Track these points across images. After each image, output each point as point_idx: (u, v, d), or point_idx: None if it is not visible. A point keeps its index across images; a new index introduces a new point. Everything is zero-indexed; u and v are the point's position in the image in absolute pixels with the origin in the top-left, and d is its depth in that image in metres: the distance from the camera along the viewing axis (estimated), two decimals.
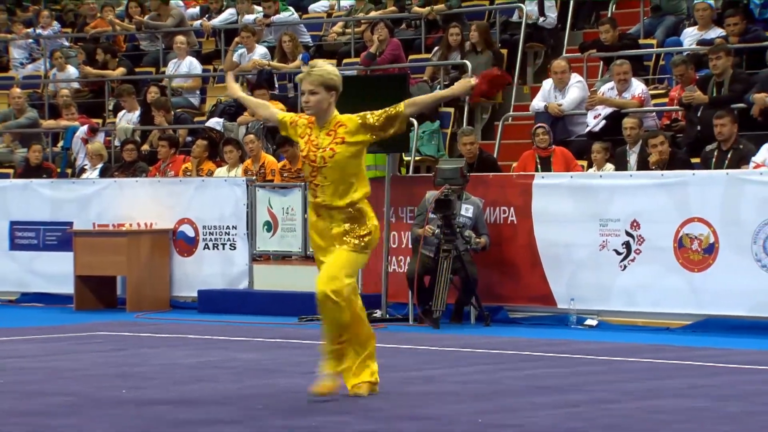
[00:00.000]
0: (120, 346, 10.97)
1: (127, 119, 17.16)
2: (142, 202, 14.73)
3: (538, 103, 14.74)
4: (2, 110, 18.00)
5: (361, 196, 7.69)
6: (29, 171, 16.53)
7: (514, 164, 14.18)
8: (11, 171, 17.26)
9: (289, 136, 8.00)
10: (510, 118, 15.52)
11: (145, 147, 16.68)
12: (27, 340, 11.40)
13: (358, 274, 8.26)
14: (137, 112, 17.24)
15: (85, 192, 15.14)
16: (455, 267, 12.19)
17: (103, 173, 16.09)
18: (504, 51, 16.46)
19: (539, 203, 12.54)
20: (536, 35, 16.81)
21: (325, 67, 7.82)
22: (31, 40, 19.93)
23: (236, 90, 8.58)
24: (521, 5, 16.69)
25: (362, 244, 7.68)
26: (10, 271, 15.29)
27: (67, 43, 19.72)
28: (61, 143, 17.56)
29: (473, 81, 8.10)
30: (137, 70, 18.81)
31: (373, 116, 7.80)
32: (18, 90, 18.12)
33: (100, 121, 17.81)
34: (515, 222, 12.66)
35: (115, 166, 16.35)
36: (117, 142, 16.85)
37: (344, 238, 7.64)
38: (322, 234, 7.75)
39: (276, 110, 8.23)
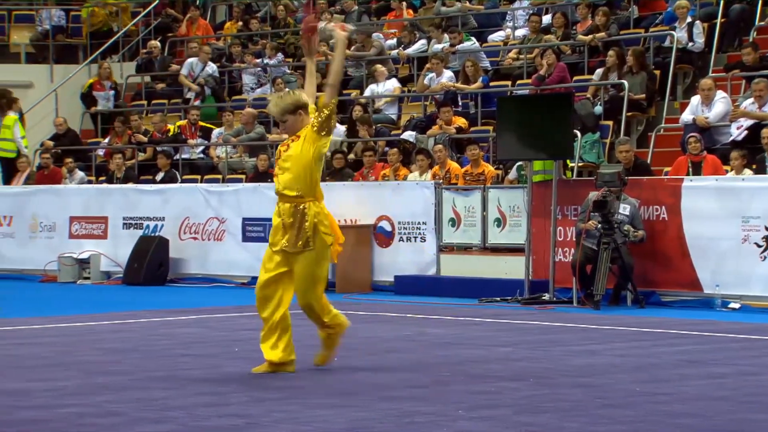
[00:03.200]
0: None
1: (337, 133, 17.32)
2: (348, 202, 14.83)
3: (687, 117, 14.31)
4: (236, 127, 18.40)
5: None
6: (258, 176, 16.85)
7: (666, 169, 13.82)
8: (243, 176, 17.62)
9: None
10: (662, 130, 15.13)
11: (351, 156, 16.81)
12: (254, 317, 11.54)
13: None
14: (343, 127, 17.38)
15: None
16: (613, 257, 11.95)
17: None
18: (657, 72, 16.05)
19: (688, 202, 12.16)
20: (685, 58, 16.33)
21: (285, 96, 7.61)
22: (259, 69, 20.31)
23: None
24: (672, 32, 16.25)
25: None
26: (243, 258, 15.58)
27: (288, 71, 20.03)
28: None
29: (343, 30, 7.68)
30: (344, 92, 18.98)
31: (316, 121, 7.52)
32: (249, 110, 18.49)
33: None
34: (666, 219, 12.30)
35: (326, 171, 16.52)
36: (327, 152, 17.00)
37: None
38: None
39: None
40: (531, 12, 18.51)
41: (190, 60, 20.13)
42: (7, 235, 17.38)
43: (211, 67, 20.04)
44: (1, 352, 8.84)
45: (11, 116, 18.87)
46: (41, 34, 23.31)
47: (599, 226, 11.99)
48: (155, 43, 21.70)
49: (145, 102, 20.96)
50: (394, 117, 18.06)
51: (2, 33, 23.52)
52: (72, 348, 9.11)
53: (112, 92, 20.16)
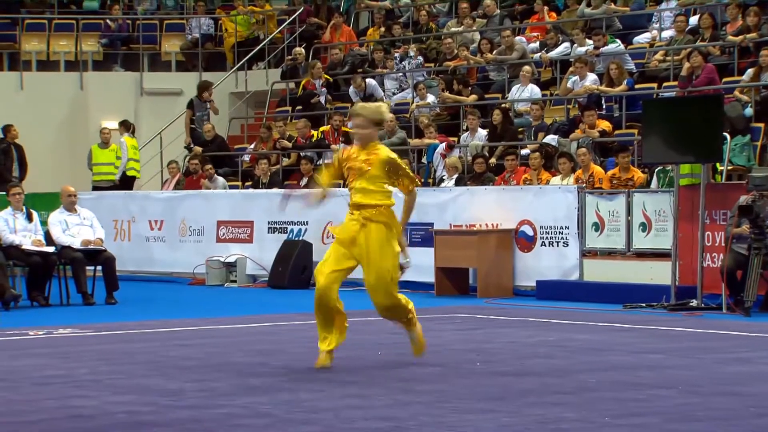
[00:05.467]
0: (473, 326, 11.02)
1: (479, 137, 17.26)
2: (490, 207, 14.76)
3: None
4: (379, 132, 18.49)
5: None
6: None
7: None
8: None
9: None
10: None
11: (492, 160, 16.72)
12: None
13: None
14: (484, 131, 17.31)
15: (444, 198, 15.33)
16: (765, 262, 11.61)
17: (458, 182, 16.25)
18: None
19: None
20: None
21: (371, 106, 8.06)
22: (400, 74, 20.39)
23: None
24: None
25: None
26: None
27: (427, 76, 20.07)
28: (424, 158, 17.87)
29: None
30: (486, 96, 18.91)
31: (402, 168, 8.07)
32: (391, 115, 18.56)
33: (455, 139, 18.01)
34: None
35: (468, 176, 16.48)
36: (469, 156, 16.97)
37: None
38: None
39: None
40: (678, 13, 18.12)
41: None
42: (158, 239, 17.86)
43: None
44: (159, 352, 9.08)
45: (129, 138, 19.87)
46: (191, 42, 23.93)
47: (750, 231, 11.66)
48: (300, 50, 22.02)
49: (289, 108, 21.28)
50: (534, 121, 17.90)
51: (154, 42, 24.21)
52: (222, 350, 9.29)
53: (324, 90, 20.33)
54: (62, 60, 23.79)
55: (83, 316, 12.11)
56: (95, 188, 19.63)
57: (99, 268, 13.88)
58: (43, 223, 14.26)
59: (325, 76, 20.48)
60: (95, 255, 13.77)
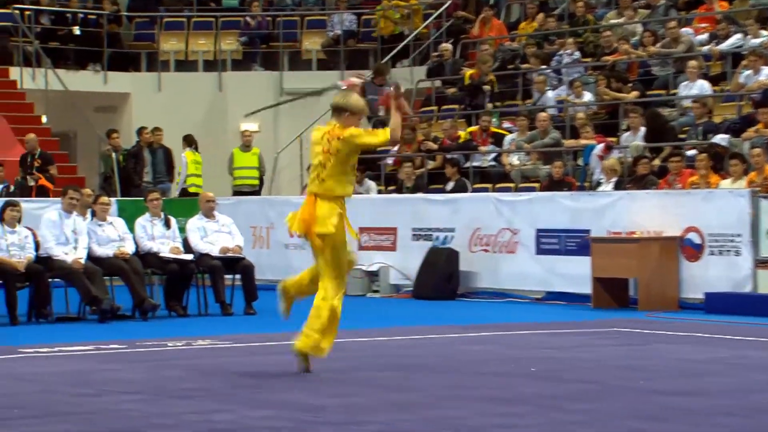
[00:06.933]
0: (633, 341, 10.88)
1: (640, 137, 17.02)
2: (652, 212, 14.54)
3: None
4: (531, 132, 18.43)
5: None
6: (552, 184, 16.81)
7: None
8: (537, 185, 17.63)
9: None
10: None
11: (656, 162, 16.47)
12: (552, 334, 11.56)
13: None
14: (642, 130, 17.06)
15: (601, 203, 15.17)
16: None
17: (617, 186, 16.06)
18: None
19: None
20: None
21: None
22: (549, 70, 20.23)
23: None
24: None
25: None
26: (536, 272, 15.58)
27: (584, 72, 19.89)
28: (579, 160, 17.72)
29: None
30: (648, 92, 18.63)
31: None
32: (544, 114, 18.48)
33: (614, 139, 17.80)
34: None
35: (628, 179, 16.27)
36: (629, 158, 16.75)
37: None
38: None
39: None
40: None
41: None
42: (298, 246, 18.13)
43: None
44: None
45: (191, 153, 20.18)
46: (332, 39, 24.23)
47: None
48: (447, 46, 22.05)
49: (435, 108, 21.36)
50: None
51: (295, 39, 24.60)
52: (364, 363, 9.40)
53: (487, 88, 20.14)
54: (200, 60, 24.42)
55: (222, 327, 12.40)
56: (236, 193, 20.06)
57: (237, 276, 14.19)
58: (181, 229, 14.67)
59: (492, 76, 20.21)
60: (234, 263, 14.08)
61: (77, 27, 23.59)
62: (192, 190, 20.00)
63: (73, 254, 12.94)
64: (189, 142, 20.64)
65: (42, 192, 18.86)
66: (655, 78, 18.97)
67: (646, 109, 17.30)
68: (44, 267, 12.82)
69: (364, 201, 17.75)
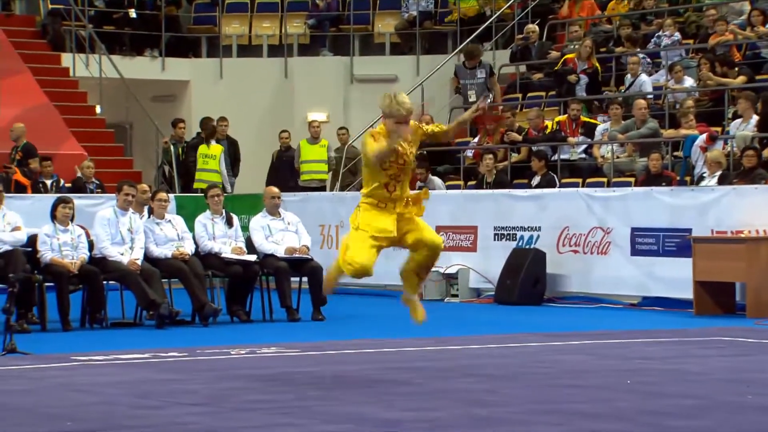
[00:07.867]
0: (741, 352, 10.74)
1: (751, 127, 16.79)
2: (761, 209, 14.34)
3: None
4: (625, 122, 18.27)
5: None
6: (650, 179, 16.65)
7: None
8: (632, 179, 17.48)
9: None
10: None
11: (766, 153, 16.23)
12: (649, 343, 11.45)
13: None
14: (752, 119, 16.81)
15: (704, 199, 15.01)
16: None
17: (722, 180, 15.86)
18: None
19: None
20: None
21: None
22: (642, 56, 20.01)
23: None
24: None
25: None
26: (632, 275, 15.45)
27: (685, 55, 19.68)
28: (680, 151, 17.53)
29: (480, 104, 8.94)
30: (757, 77, 18.38)
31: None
32: (642, 101, 18.31)
33: (719, 129, 17.59)
34: None
35: (734, 173, 16.06)
36: (736, 149, 16.54)
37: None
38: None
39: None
40: None
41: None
42: None
43: None
44: (372, 376, 9.26)
45: (216, 146, 19.99)
46: (407, 21, 24.23)
47: None
48: (533, 27, 21.96)
49: (519, 95, 21.27)
50: None
51: (366, 21, 24.63)
52: (442, 374, 9.38)
53: (584, 77, 19.98)
54: (265, 44, 24.56)
55: (288, 334, 12.46)
56: (303, 189, 20.10)
57: (304, 279, 14.24)
58: (244, 228, 14.75)
59: (595, 62, 19.89)
60: (300, 264, 14.13)
61: (133, 10, 23.87)
62: (196, 185, 19.77)
63: (128, 255, 13.09)
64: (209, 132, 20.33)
65: (19, 188, 18.30)
66: (764, 61, 18.71)
67: (759, 94, 17.02)
68: (98, 268, 12.98)
69: (442, 198, 17.70)
